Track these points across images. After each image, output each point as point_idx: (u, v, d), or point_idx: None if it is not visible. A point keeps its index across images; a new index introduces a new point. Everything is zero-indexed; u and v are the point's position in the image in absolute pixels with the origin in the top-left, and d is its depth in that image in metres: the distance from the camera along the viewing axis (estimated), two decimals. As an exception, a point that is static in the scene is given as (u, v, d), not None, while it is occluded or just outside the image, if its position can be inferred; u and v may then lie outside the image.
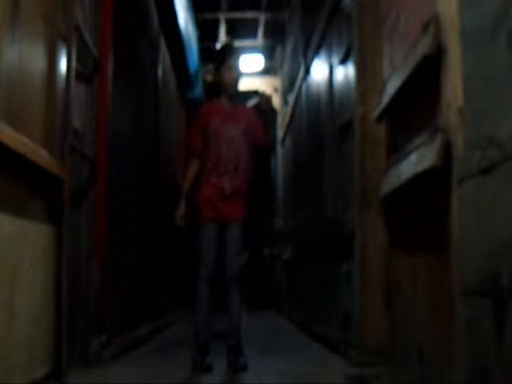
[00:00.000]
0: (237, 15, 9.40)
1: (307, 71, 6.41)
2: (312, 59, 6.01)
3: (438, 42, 2.13)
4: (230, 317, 3.79)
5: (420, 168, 2.20)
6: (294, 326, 6.61)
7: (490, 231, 1.67)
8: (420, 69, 2.27)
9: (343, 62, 4.26)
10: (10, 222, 2.41)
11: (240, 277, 3.81)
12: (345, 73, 4.24)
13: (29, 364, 2.63)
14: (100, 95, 3.88)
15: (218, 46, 9.22)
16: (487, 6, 1.73)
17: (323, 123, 5.29)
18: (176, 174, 8.18)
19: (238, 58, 4.07)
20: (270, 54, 10.35)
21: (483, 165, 1.72)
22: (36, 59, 2.83)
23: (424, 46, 2.20)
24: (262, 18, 9.43)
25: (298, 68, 7.11)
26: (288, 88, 8.81)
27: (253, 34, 9.90)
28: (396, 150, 2.83)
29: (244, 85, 4.06)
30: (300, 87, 7.02)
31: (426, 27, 2.26)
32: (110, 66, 4.00)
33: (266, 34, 9.91)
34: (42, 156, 2.70)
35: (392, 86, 2.73)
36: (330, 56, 4.93)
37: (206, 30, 9.37)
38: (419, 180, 2.28)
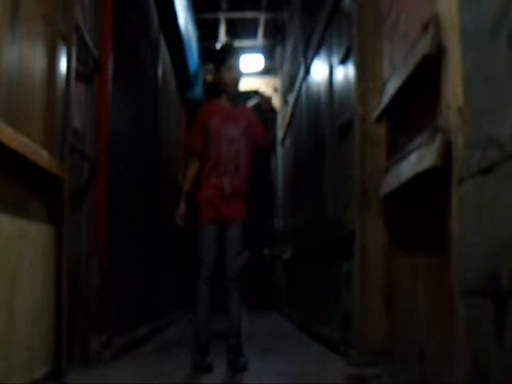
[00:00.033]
0: (237, 15, 9.40)
1: (307, 71, 6.41)
2: (312, 59, 6.01)
3: (437, 42, 2.13)
4: (230, 317, 3.79)
5: (420, 168, 2.20)
6: (294, 326, 6.61)
7: (490, 231, 1.67)
8: (420, 69, 2.27)
9: (343, 61, 4.26)
10: (10, 222, 2.41)
11: (240, 277, 3.81)
12: (345, 73, 4.24)
13: (29, 364, 2.63)
14: (100, 95, 3.88)
15: (219, 46, 9.23)
16: (487, 5, 1.73)
17: (323, 123, 5.29)
18: (176, 173, 8.18)
19: (238, 58, 4.07)
20: (270, 54, 10.35)
21: (483, 165, 1.72)
22: (36, 59, 2.83)
23: (424, 46, 2.20)
24: (262, 18, 9.42)
25: (298, 68, 7.11)
26: (288, 88, 8.81)
27: (253, 34, 9.90)
28: (396, 150, 2.83)
29: (244, 85, 4.06)
30: (300, 87, 7.02)
31: (426, 27, 2.26)
32: (110, 66, 4.00)
33: (266, 34, 9.91)
34: (41, 156, 2.70)
35: (392, 86, 2.73)
36: (330, 56, 4.93)
37: (206, 30, 9.37)
38: (419, 180, 2.28)
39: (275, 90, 10.12)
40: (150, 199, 6.03)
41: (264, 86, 10.07)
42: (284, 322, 7.53)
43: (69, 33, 3.22)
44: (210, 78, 9.91)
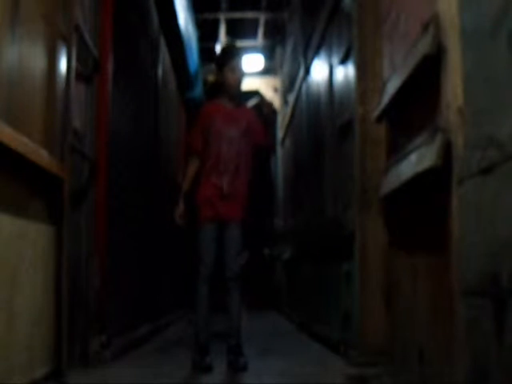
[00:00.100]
0: (237, 15, 9.40)
1: (307, 71, 6.41)
2: (312, 59, 6.01)
3: (438, 42, 2.13)
4: (229, 317, 3.79)
5: (420, 168, 2.20)
6: (294, 326, 6.61)
7: (490, 231, 1.67)
8: (420, 69, 2.27)
9: (343, 61, 4.26)
10: (10, 222, 2.41)
11: (240, 277, 3.81)
12: (345, 73, 4.24)
13: (29, 364, 2.63)
14: (100, 95, 3.88)
15: (221, 46, 9.25)
16: (487, 5, 1.73)
17: (323, 123, 5.29)
18: (176, 173, 8.18)
19: (241, 59, 4.08)
20: (270, 54, 10.35)
21: (483, 165, 1.72)
22: (36, 59, 2.83)
23: (424, 46, 2.20)
24: (262, 18, 9.42)
25: (298, 68, 7.11)
26: (288, 88, 8.81)
27: (253, 34, 9.90)
28: (396, 150, 2.83)
29: (244, 85, 4.07)
30: (300, 87, 7.02)
31: (426, 27, 2.26)
32: (110, 66, 4.00)
33: (266, 34, 9.91)
34: (41, 156, 2.70)
35: (392, 86, 2.73)
36: (330, 56, 4.93)
37: (206, 30, 9.37)
38: (419, 180, 2.28)
39: (275, 89, 10.12)
40: (150, 199, 6.04)
41: (264, 85, 10.08)
42: (284, 322, 7.53)
43: (69, 33, 3.22)
44: (210, 78, 9.92)
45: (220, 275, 3.78)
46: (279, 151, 10.16)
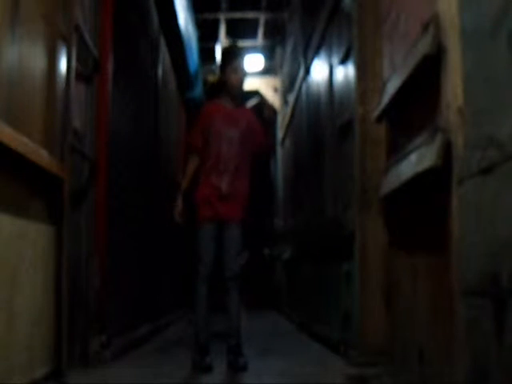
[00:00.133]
0: (237, 15, 9.39)
1: (307, 71, 6.41)
2: (312, 59, 6.01)
3: (438, 42, 2.13)
4: (229, 317, 3.79)
5: (420, 168, 2.20)
6: (294, 326, 6.61)
7: (490, 231, 1.67)
8: (420, 69, 2.27)
9: (343, 61, 4.26)
10: (10, 221, 2.41)
11: (239, 277, 3.81)
12: (345, 73, 4.24)
13: (29, 364, 2.63)
14: (100, 95, 3.88)
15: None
16: (487, 5, 1.73)
17: (323, 123, 5.29)
18: (176, 173, 8.18)
19: (243, 59, 4.10)
20: (270, 54, 10.35)
21: (483, 165, 1.72)
22: (36, 59, 2.83)
23: (424, 46, 2.20)
24: (262, 18, 9.42)
25: (298, 68, 7.11)
26: (288, 88, 8.81)
27: (253, 34, 9.90)
28: (396, 150, 2.83)
29: (245, 85, 4.09)
30: (300, 87, 7.02)
31: (426, 27, 2.26)
32: (110, 66, 4.00)
33: (266, 34, 9.91)
34: (42, 156, 2.70)
35: (392, 86, 2.73)
36: (330, 56, 4.93)
37: (206, 30, 9.37)
38: (419, 180, 2.28)
39: (275, 89, 10.12)
40: (150, 199, 6.04)
41: (264, 85, 10.08)
42: (284, 322, 7.53)
43: (69, 33, 3.22)
44: (211, 78, 9.92)
45: (219, 275, 3.78)
46: (279, 151, 10.16)
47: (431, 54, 2.15)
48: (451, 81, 2.02)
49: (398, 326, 2.88)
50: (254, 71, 10.06)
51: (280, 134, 9.87)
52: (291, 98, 8.12)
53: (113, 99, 4.12)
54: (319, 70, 5.60)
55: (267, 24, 9.61)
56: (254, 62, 10.04)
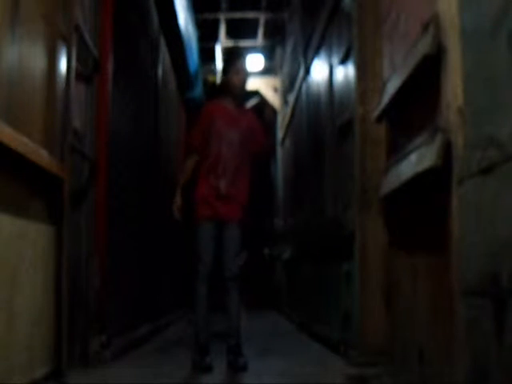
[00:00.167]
0: (237, 15, 9.40)
1: (307, 71, 6.41)
2: (312, 59, 6.01)
3: (437, 41, 2.13)
4: (229, 317, 3.80)
5: (420, 168, 2.20)
6: (294, 326, 6.61)
7: (490, 231, 1.67)
8: (420, 69, 2.27)
9: (343, 61, 4.26)
10: (10, 221, 2.41)
11: (239, 277, 3.81)
12: (345, 73, 4.24)
13: (29, 364, 2.63)
14: (100, 95, 3.88)
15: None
16: (487, 5, 1.73)
17: (323, 123, 5.29)
18: (176, 173, 8.18)
19: (245, 61, 4.13)
20: (270, 54, 10.35)
21: (483, 165, 1.72)
22: (36, 59, 2.83)
23: (424, 46, 2.20)
24: (262, 18, 9.43)
25: (298, 68, 7.11)
26: (288, 88, 8.81)
27: (253, 34, 9.90)
28: (396, 150, 2.83)
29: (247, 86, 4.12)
30: (300, 87, 7.02)
31: (426, 27, 2.26)
32: (110, 66, 4.00)
33: (266, 34, 9.91)
34: (42, 156, 2.70)
35: (392, 86, 2.73)
36: (330, 56, 4.93)
37: (206, 30, 9.37)
38: (419, 180, 2.28)
39: (275, 89, 10.12)
40: (150, 199, 6.04)
41: (264, 85, 10.07)
42: (284, 322, 7.53)
43: (69, 33, 3.22)
44: (211, 78, 9.93)
45: (219, 275, 3.78)
46: (279, 151, 10.16)
47: (431, 54, 2.15)
48: (451, 81, 2.02)
49: (398, 326, 2.88)
50: (254, 71, 10.07)
51: (280, 134, 9.87)
52: (291, 98, 8.12)
53: (113, 99, 4.12)
54: (319, 70, 5.60)
55: (267, 24, 9.61)
56: (254, 61, 10.05)
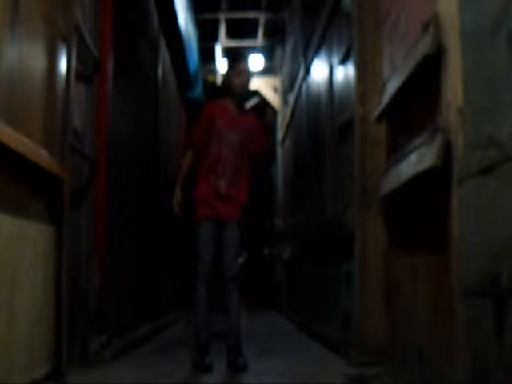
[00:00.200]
0: (237, 15, 9.40)
1: (307, 71, 6.41)
2: (312, 59, 6.01)
3: (437, 42, 2.13)
4: (229, 317, 3.80)
5: (420, 168, 2.20)
6: (294, 326, 6.61)
7: (490, 231, 1.67)
8: (420, 69, 2.27)
9: (343, 61, 4.26)
10: (10, 222, 2.41)
11: (239, 277, 3.81)
12: (345, 73, 4.24)
13: (29, 364, 2.63)
14: (100, 95, 3.88)
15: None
16: (487, 5, 1.73)
17: (323, 123, 5.29)
18: (176, 173, 8.17)
19: (247, 63, 4.15)
20: (270, 54, 10.35)
21: (483, 165, 1.72)
22: (36, 59, 2.83)
23: (424, 46, 2.20)
24: (262, 18, 9.43)
25: (298, 68, 7.11)
26: (288, 88, 8.81)
27: (253, 34, 9.90)
28: (396, 150, 2.83)
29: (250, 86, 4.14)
30: (300, 87, 7.02)
31: (426, 27, 2.26)
32: (110, 66, 4.00)
33: (266, 34, 9.91)
34: (42, 156, 2.70)
35: (392, 86, 2.73)
36: (330, 56, 4.93)
37: (206, 30, 9.37)
38: (419, 180, 2.28)
39: (275, 89, 10.12)
40: (150, 199, 6.04)
41: (264, 85, 10.07)
42: (284, 322, 7.53)
43: (69, 33, 3.22)
44: (211, 78, 9.93)
45: (219, 275, 3.78)
46: (279, 151, 10.16)
47: (431, 54, 2.15)
48: (451, 81, 2.02)
49: (398, 326, 2.88)
50: (254, 71, 10.06)
51: (280, 134, 9.87)
52: (291, 98, 8.11)
53: (113, 99, 4.12)
54: (319, 70, 5.60)
55: (267, 24, 9.62)
56: (254, 61, 10.05)
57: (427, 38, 2.19)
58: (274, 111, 4.20)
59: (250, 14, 9.40)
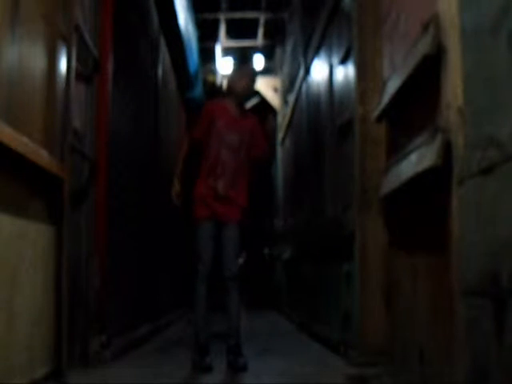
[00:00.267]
0: (237, 15, 9.40)
1: (307, 71, 6.41)
2: (312, 59, 6.01)
3: (437, 42, 2.13)
4: (229, 317, 3.80)
5: (420, 168, 2.20)
6: (294, 326, 6.61)
7: (490, 231, 1.67)
8: (420, 69, 2.27)
9: (343, 62, 4.26)
10: (10, 221, 2.41)
11: (238, 277, 3.81)
12: (345, 73, 4.24)
13: (29, 364, 2.63)
14: (100, 95, 3.88)
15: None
16: (487, 6, 1.73)
17: (323, 123, 5.29)
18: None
19: (251, 64, 4.13)
20: (270, 54, 10.35)
21: (483, 165, 1.72)
22: (36, 59, 2.83)
23: (424, 46, 2.20)
24: (262, 18, 9.43)
25: (298, 68, 7.11)
26: (288, 88, 8.81)
27: (253, 34, 9.90)
28: (396, 150, 2.83)
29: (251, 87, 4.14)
30: (300, 87, 7.02)
31: (426, 27, 2.26)
32: (110, 66, 4.00)
33: (266, 34, 9.91)
34: (42, 156, 2.70)
35: (392, 86, 2.73)
36: (330, 56, 4.93)
37: (206, 30, 9.37)
38: (419, 180, 2.28)
39: (275, 89, 10.12)
40: (150, 199, 6.03)
41: (264, 85, 10.07)
42: (284, 322, 7.52)
43: (69, 33, 3.22)
44: (211, 78, 9.92)
45: (219, 275, 3.79)
46: (279, 151, 10.16)
47: (431, 54, 2.15)
48: (451, 81, 2.02)
49: (398, 326, 2.88)
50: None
51: (280, 134, 9.87)
52: (291, 98, 8.11)
53: (113, 99, 4.11)
54: (319, 70, 5.60)
55: (267, 24, 9.62)
56: (254, 61, 10.05)
57: (427, 37, 2.19)
58: (274, 113, 4.21)
59: (250, 14, 9.40)
